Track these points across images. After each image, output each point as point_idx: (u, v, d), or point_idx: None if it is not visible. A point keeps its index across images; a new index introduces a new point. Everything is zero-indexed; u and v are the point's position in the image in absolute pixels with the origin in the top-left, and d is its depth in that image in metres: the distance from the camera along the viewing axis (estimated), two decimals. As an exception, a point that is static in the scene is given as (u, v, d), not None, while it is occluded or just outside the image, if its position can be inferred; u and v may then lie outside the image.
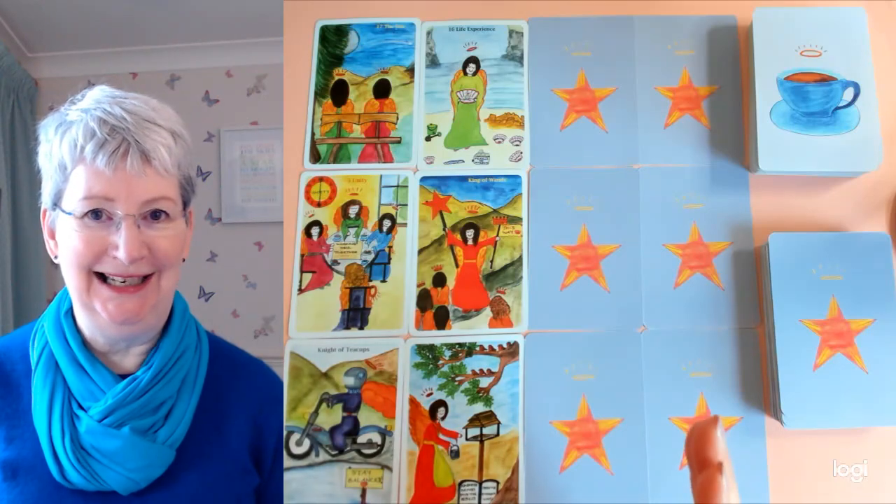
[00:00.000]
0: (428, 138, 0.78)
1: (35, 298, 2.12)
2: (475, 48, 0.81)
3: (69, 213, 0.61)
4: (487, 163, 0.77)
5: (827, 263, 0.71)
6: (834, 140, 0.72)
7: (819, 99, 0.73)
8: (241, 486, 0.69)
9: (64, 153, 0.60)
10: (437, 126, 0.79)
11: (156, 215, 0.62)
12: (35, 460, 0.62)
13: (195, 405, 0.67)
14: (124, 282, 0.62)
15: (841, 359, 0.69)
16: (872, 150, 0.72)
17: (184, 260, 0.68)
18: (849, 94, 0.73)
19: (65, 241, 0.62)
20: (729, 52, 0.79)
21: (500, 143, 0.78)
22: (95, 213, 0.60)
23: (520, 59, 0.80)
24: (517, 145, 0.78)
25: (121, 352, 0.66)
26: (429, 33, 0.81)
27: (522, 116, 0.79)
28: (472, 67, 0.80)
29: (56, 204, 0.62)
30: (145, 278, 0.63)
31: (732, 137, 0.77)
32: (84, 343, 0.65)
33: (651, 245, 0.75)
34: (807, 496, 0.69)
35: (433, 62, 0.81)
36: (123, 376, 0.64)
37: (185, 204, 0.67)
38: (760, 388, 0.72)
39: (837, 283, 0.70)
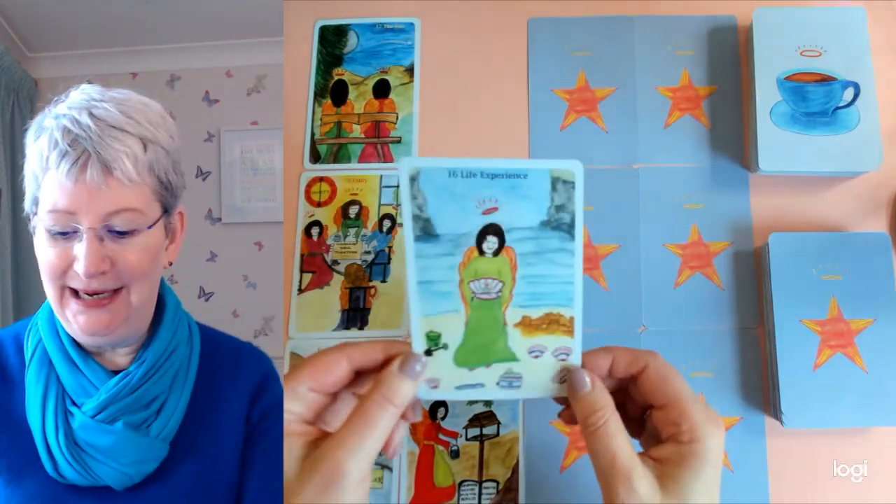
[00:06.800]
0: (428, 352, 0.53)
1: (35, 298, 2.12)
2: (495, 209, 0.52)
3: (34, 226, 0.61)
4: (519, 386, 0.54)
5: (827, 263, 0.71)
6: (834, 140, 0.72)
7: (819, 99, 0.73)
8: (235, 475, 0.69)
9: (35, 162, 0.60)
10: (440, 335, 0.53)
11: (121, 231, 0.60)
12: (29, 456, 0.62)
13: (187, 399, 0.66)
14: (92, 295, 0.60)
15: (841, 359, 0.69)
16: (872, 150, 0.72)
17: (170, 263, 0.66)
18: (849, 94, 0.73)
19: (39, 251, 0.61)
20: (729, 53, 0.79)
21: (537, 357, 0.54)
22: (61, 227, 0.59)
23: (569, 228, 0.53)
24: (563, 359, 0.54)
25: (108, 350, 0.66)
26: (413, 179, 0.51)
27: (572, 318, 0.54)
28: (492, 242, 0.53)
29: (33, 210, 0.62)
30: (115, 291, 0.61)
31: (732, 137, 0.77)
32: (76, 340, 0.65)
33: (651, 245, 0.75)
34: (807, 496, 0.69)
35: (425, 231, 0.52)
36: (116, 372, 0.64)
37: (166, 210, 0.65)
38: (760, 388, 0.72)
39: (837, 283, 0.70)
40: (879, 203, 0.75)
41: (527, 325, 0.54)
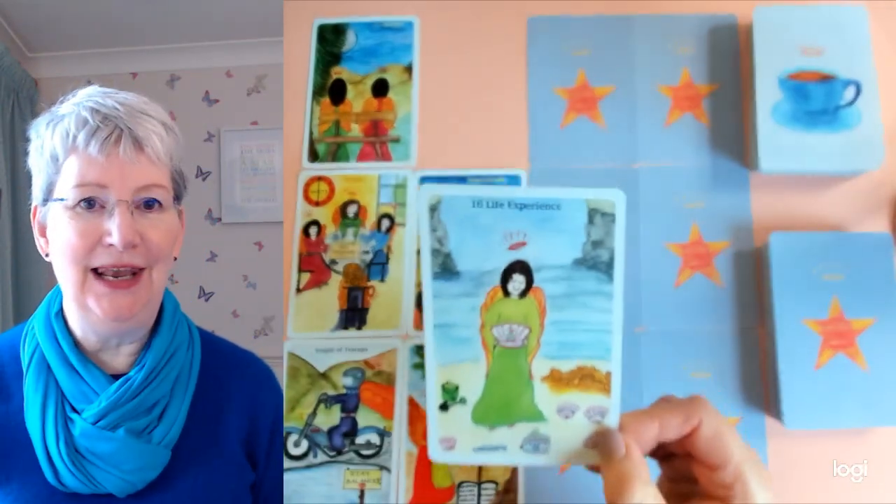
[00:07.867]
0: (444, 406, 0.49)
1: (35, 298, 2.12)
2: (523, 244, 0.47)
3: (62, 200, 0.61)
4: (546, 451, 0.49)
5: (828, 263, 0.70)
6: (835, 139, 0.72)
7: (820, 98, 0.73)
8: (237, 482, 0.69)
9: (56, 144, 0.61)
10: (457, 388, 0.49)
11: (149, 204, 0.62)
12: (27, 464, 0.61)
13: (189, 404, 0.66)
14: (117, 276, 0.61)
15: (842, 359, 0.68)
16: (874, 149, 0.72)
17: (175, 258, 0.67)
18: (850, 92, 0.73)
19: (58, 235, 0.61)
20: (729, 51, 0.79)
21: (567, 417, 0.48)
22: (89, 202, 0.60)
23: (607, 268, 0.48)
24: (598, 421, 0.48)
25: (111, 350, 0.66)
26: (433, 209, 0.47)
27: (609, 373, 0.48)
28: (518, 281, 0.47)
29: (47, 198, 0.62)
30: (136, 273, 0.62)
31: (733, 136, 0.77)
32: (75, 344, 0.65)
33: (651, 244, 0.74)
34: (807, 496, 0.69)
35: (445, 267, 0.47)
36: (115, 377, 0.64)
37: (178, 198, 0.66)
38: (760, 388, 0.71)
39: (839, 282, 0.70)
40: (881, 202, 0.75)
41: (556, 379, 0.48)
